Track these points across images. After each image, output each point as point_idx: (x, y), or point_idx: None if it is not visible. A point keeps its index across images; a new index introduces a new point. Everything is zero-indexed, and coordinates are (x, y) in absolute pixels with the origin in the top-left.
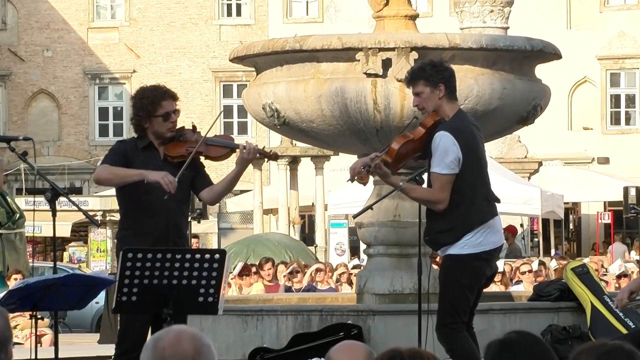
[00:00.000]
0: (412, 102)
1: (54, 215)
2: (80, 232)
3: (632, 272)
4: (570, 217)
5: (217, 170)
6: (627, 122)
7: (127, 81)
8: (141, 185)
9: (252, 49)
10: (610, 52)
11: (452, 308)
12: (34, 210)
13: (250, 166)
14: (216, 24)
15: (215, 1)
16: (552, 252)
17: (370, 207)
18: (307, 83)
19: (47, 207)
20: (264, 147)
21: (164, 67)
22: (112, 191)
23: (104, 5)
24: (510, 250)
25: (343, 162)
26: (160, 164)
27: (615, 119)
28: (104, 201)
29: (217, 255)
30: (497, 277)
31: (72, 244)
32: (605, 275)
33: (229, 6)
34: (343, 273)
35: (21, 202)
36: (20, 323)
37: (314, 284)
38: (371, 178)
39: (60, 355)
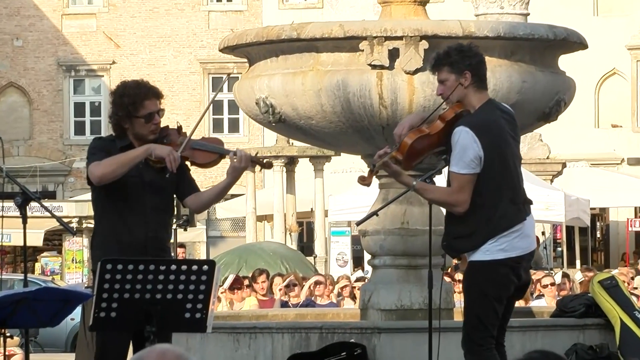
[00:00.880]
0: (436, 90)
1: (24, 222)
2: (53, 241)
3: None
4: (598, 224)
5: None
6: None
7: (105, 73)
8: (119, 191)
9: (244, 37)
10: None
11: (479, 321)
12: (2, 217)
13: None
14: (204, 10)
15: None
16: (577, 263)
17: (375, 213)
18: (306, 75)
19: (17, 213)
20: (257, 154)
21: (147, 58)
22: (89, 196)
23: None
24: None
25: (345, 163)
26: (141, 167)
27: None
28: (79, 207)
29: (205, 267)
30: None
31: (45, 254)
32: (637, 289)
33: None
34: (345, 286)
35: None
36: None
37: (312, 298)
38: (376, 180)
39: None
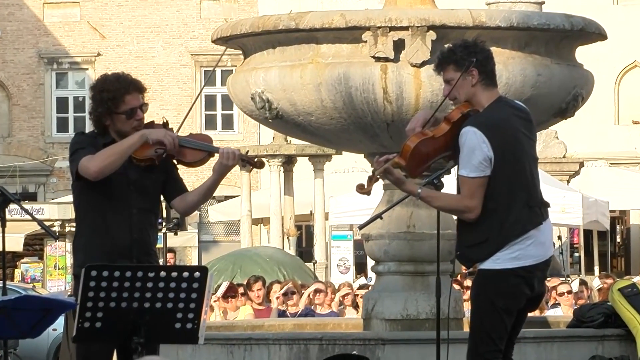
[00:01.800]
0: (443, 91)
1: (3, 226)
2: (34, 246)
3: None
4: (617, 227)
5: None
6: None
7: (90, 66)
8: (102, 190)
9: (239, 28)
10: None
11: (485, 334)
12: None
13: (237, 167)
14: None
15: None
16: (596, 269)
17: (379, 216)
18: (305, 68)
19: None
20: (247, 153)
21: (134, 50)
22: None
23: None
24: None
25: (346, 162)
26: (126, 165)
27: None
28: (62, 209)
29: (197, 274)
30: None
31: (25, 259)
32: None
33: None
34: (347, 294)
35: None
36: None
37: (312, 307)
38: (381, 182)
39: None
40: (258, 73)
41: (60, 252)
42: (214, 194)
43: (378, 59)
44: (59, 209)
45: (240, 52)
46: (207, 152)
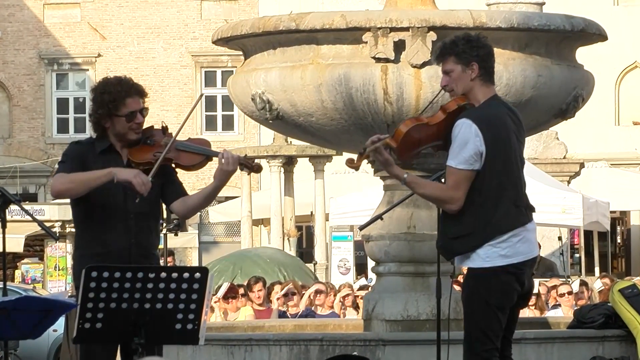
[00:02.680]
0: (441, 82)
1: (3, 227)
2: (35, 247)
3: None
4: (618, 228)
5: (197, 174)
6: None
7: (90, 67)
8: (99, 196)
9: (239, 28)
10: None
11: (481, 333)
12: None
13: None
14: None
15: None
16: (596, 270)
17: (379, 217)
18: (305, 69)
19: None
20: (245, 156)
21: (135, 51)
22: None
23: None
24: (544, 267)
25: None
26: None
27: None
28: (62, 210)
29: (197, 275)
30: (531, 300)
31: (26, 260)
32: None
33: None
34: (347, 295)
35: None
36: None
37: (312, 308)
38: (382, 183)
39: None
40: (258, 74)
41: (61, 253)
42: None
43: (378, 60)
44: (59, 209)
45: (241, 53)
46: (205, 156)
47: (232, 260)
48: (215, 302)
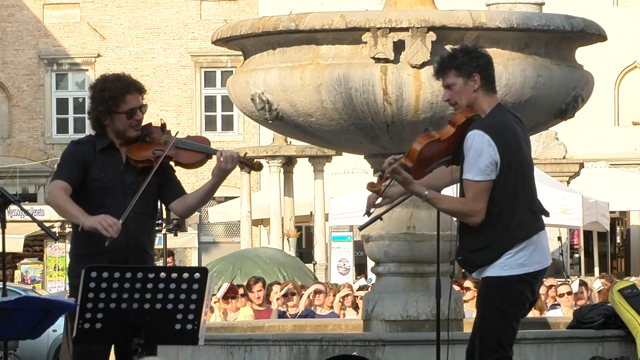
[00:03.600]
0: (443, 96)
1: (3, 227)
2: (34, 247)
3: None
4: (618, 229)
5: (196, 173)
6: None
7: (90, 67)
8: (98, 195)
9: (238, 29)
10: None
11: (495, 342)
12: None
13: (237, 168)
14: None
15: None
16: (596, 270)
17: (379, 217)
18: (305, 69)
19: None
20: (245, 155)
21: (134, 51)
22: None
23: None
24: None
25: (346, 163)
26: (122, 169)
27: None
28: None
29: (197, 275)
30: None
31: (25, 260)
32: None
33: None
34: (347, 295)
35: None
36: None
37: (312, 308)
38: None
39: None
40: (258, 74)
41: (60, 253)
42: (213, 196)
43: (378, 60)
44: None
45: (240, 53)
46: (204, 154)
47: (232, 261)
48: (214, 302)
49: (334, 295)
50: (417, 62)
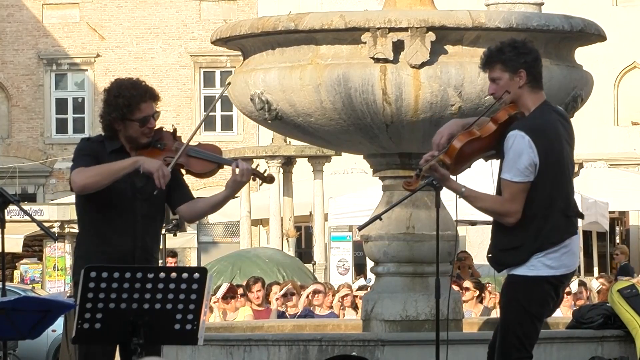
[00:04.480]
0: (488, 90)
1: (2, 227)
2: (33, 247)
3: None
4: (617, 229)
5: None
6: None
7: (89, 67)
8: (108, 195)
9: (238, 29)
10: None
11: (518, 340)
12: None
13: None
14: None
15: None
16: (595, 270)
17: (379, 217)
18: (304, 69)
19: None
20: (257, 167)
21: (134, 51)
22: (72, 199)
23: None
24: None
25: (346, 163)
26: (132, 174)
27: None
28: (61, 210)
29: (196, 275)
30: None
31: (25, 260)
32: None
33: None
34: (346, 295)
35: None
36: None
37: (311, 308)
38: (380, 183)
39: None
40: (257, 74)
41: (60, 253)
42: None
43: (377, 60)
44: (58, 210)
45: (240, 53)
46: (216, 164)
47: (231, 261)
48: (214, 302)
49: (333, 296)
50: (416, 62)
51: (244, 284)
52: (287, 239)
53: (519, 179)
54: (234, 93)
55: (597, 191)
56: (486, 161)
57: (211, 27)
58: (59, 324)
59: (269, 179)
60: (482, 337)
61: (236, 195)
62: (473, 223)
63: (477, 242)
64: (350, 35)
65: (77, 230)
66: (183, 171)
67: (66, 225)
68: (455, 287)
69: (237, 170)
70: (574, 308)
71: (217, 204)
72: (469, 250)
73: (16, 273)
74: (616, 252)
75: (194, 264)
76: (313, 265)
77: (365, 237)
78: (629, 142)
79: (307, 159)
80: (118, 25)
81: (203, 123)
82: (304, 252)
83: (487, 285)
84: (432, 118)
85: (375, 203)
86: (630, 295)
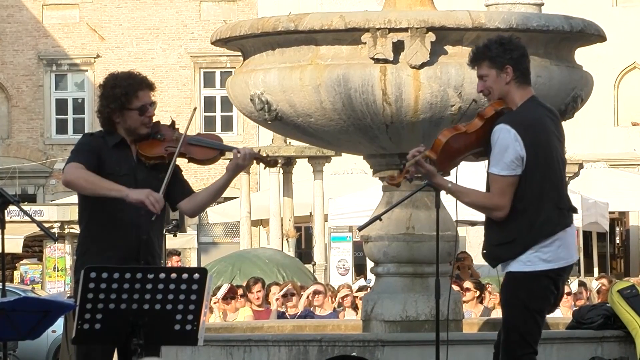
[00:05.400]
0: (477, 87)
1: (2, 228)
2: (33, 248)
3: None
4: (617, 229)
5: (196, 174)
6: None
7: (89, 68)
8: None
9: (238, 29)
10: None
11: (520, 337)
12: None
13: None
14: None
15: None
16: (595, 271)
17: (378, 218)
18: (304, 70)
19: None
20: (259, 151)
21: (134, 51)
22: (72, 199)
23: None
24: None
25: (346, 164)
26: (134, 166)
27: None
28: (61, 211)
29: (196, 275)
30: None
31: (24, 261)
32: None
33: None
34: (346, 296)
35: None
36: None
37: (311, 309)
38: (380, 183)
39: None
40: (257, 74)
41: (60, 254)
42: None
43: (377, 61)
44: (58, 210)
45: (240, 53)
46: (218, 151)
47: (231, 261)
48: (214, 302)
49: (334, 298)
50: (416, 63)
51: (244, 284)
52: (287, 239)
53: (506, 173)
54: (234, 93)
55: (597, 191)
56: (477, 161)
57: (211, 28)
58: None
59: (273, 163)
60: (482, 338)
61: (236, 196)
62: (473, 223)
63: (477, 243)
64: (350, 35)
65: (76, 231)
66: (185, 160)
67: (66, 226)
68: (456, 288)
69: (238, 155)
70: (574, 308)
71: (217, 190)
72: (468, 250)
73: (16, 274)
74: None
75: (194, 264)
76: (313, 265)
77: (365, 238)
78: (628, 142)
79: (307, 159)
80: (118, 26)
81: (202, 123)
82: (304, 252)
83: (488, 285)
84: (432, 118)
85: (375, 203)
86: (630, 295)
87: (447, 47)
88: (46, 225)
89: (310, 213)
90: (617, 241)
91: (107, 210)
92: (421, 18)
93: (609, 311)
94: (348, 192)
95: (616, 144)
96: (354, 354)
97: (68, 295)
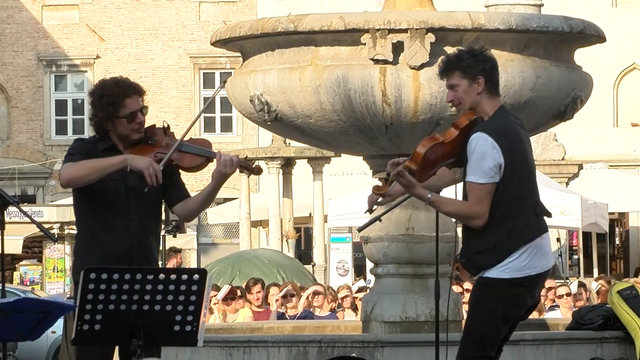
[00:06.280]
0: (446, 97)
1: (2, 229)
2: (33, 249)
3: None
4: (617, 230)
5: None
6: None
7: (89, 69)
8: (102, 194)
9: (237, 30)
10: None
11: (478, 340)
12: None
13: (237, 171)
14: (195, 0)
15: None
16: (595, 272)
17: (378, 219)
18: (304, 71)
19: None
20: (245, 158)
21: (133, 52)
22: (71, 200)
23: None
24: None
25: (345, 165)
26: (125, 172)
27: None
28: (61, 211)
29: (196, 276)
30: None
31: (24, 262)
32: None
33: None
34: (346, 297)
35: None
36: None
37: (311, 309)
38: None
39: None
40: (257, 75)
41: (59, 255)
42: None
43: (377, 62)
44: (57, 211)
45: (239, 54)
46: (205, 158)
47: (231, 262)
48: (214, 303)
49: (334, 300)
50: (416, 64)
51: (244, 285)
52: (286, 240)
53: (484, 181)
54: (233, 94)
55: (596, 192)
56: (449, 169)
57: (211, 29)
58: (58, 325)
59: (257, 171)
60: None
61: (236, 197)
62: None
63: None
64: (349, 36)
65: (76, 232)
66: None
67: (66, 227)
68: (456, 288)
69: (221, 162)
70: (574, 309)
71: (206, 197)
72: None
73: (16, 274)
74: None
75: (194, 265)
76: (313, 266)
77: (364, 239)
78: (628, 143)
79: (306, 160)
80: (117, 27)
81: (201, 123)
82: (304, 253)
83: None
84: (431, 119)
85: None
86: (630, 296)
87: (447, 48)
88: (46, 226)
89: (310, 214)
90: (617, 242)
91: (100, 215)
92: (421, 19)
93: (608, 312)
94: (348, 193)
95: (616, 144)
96: (353, 354)
97: (68, 296)
